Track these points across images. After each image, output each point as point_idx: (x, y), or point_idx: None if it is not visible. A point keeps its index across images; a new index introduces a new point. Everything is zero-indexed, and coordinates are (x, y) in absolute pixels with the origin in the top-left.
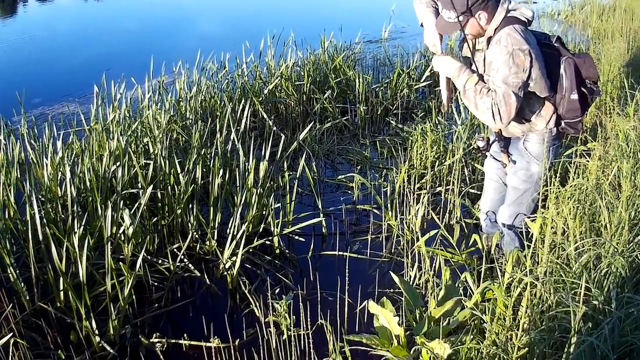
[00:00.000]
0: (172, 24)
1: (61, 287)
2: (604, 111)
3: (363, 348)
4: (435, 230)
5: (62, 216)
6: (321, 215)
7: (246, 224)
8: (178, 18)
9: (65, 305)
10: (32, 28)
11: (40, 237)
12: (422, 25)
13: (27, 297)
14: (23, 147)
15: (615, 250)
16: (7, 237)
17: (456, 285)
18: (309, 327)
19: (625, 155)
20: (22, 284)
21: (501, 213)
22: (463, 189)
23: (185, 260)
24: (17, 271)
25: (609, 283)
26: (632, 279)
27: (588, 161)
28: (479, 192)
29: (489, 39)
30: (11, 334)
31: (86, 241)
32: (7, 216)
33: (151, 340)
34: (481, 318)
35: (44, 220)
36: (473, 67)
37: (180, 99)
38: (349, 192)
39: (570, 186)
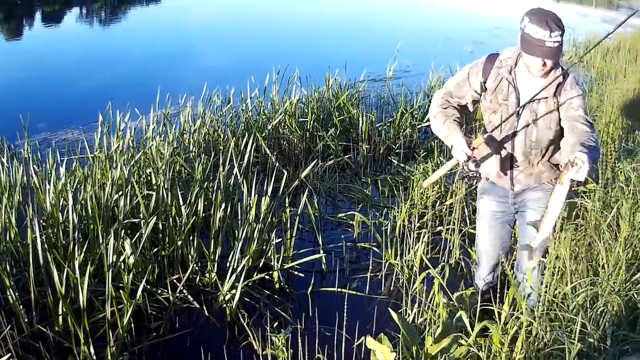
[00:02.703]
0: (178, 56)
1: (60, 312)
2: (606, 152)
3: None
4: (434, 269)
5: (63, 242)
6: (321, 251)
7: (247, 258)
8: (184, 50)
9: (63, 330)
10: (38, 52)
11: (41, 261)
12: (452, 147)
13: (26, 320)
14: (26, 171)
15: (612, 289)
16: (8, 260)
17: (453, 322)
18: None
19: (625, 197)
20: (21, 306)
21: (526, 261)
22: (463, 228)
23: (185, 291)
24: (17, 293)
25: (605, 321)
26: (628, 317)
27: (587, 202)
28: None
29: (559, 85)
30: (9, 354)
31: (87, 268)
32: (7, 239)
33: None
34: (478, 355)
35: (45, 245)
36: (528, 115)
37: (184, 131)
38: (350, 229)
39: (570, 225)
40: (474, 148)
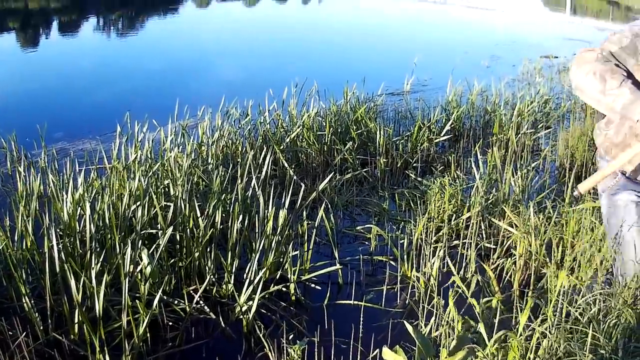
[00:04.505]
0: (195, 68)
1: (76, 320)
2: None
3: None
4: (450, 282)
5: (80, 251)
6: (338, 264)
7: (264, 269)
8: (202, 62)
9: (79, 338)
10: (55, 62)
11: (57, 270)
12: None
13: (41, 327)
14: (43, 181)
15: (625, 301)
16: (24, 267)
17: (469, 335)
18: None
19: None
20: (37, 313)
21: None
22: (479, 243)
23: (201, 302)
24: (32, 301)
25: (617, 333)
26: None
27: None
28: (494, 247)
29: None
30: None
31: (103, 277)
32: (24, 246)
33: None
34: None
35: (62, 254)
36: None
37: (202, 143)
38: (366, 242)
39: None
40: None
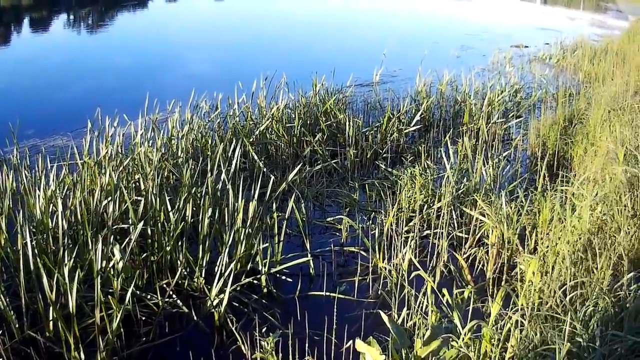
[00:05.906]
0: (165, 62)
1: (51, 317)
2: (594, 154)
3: None
4: (422, 273)
5: (53, 248)
6: (309, 255)
7: (234, 262)
8: (171, 56)
9: (54, 335)
10: (26, 58)
11: (31, 267)
12: None
13: (17, 325)
14: (15, 178)
15: (601, 290)
16: None
17: (443, 325)
18: None
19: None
20: (12, 311)
21: None
22: (451, 232)
23: (174, 296)
24: (7, 299)
25: (594, 322)
26: (616, 317)
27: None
28: (466, 236)
29: None
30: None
31: (76, 273)
32: None
33: None
34: (468, 356)
35: (35, 251)
36: None
37: (172, 137)
38: (337, 234)
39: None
40: None
